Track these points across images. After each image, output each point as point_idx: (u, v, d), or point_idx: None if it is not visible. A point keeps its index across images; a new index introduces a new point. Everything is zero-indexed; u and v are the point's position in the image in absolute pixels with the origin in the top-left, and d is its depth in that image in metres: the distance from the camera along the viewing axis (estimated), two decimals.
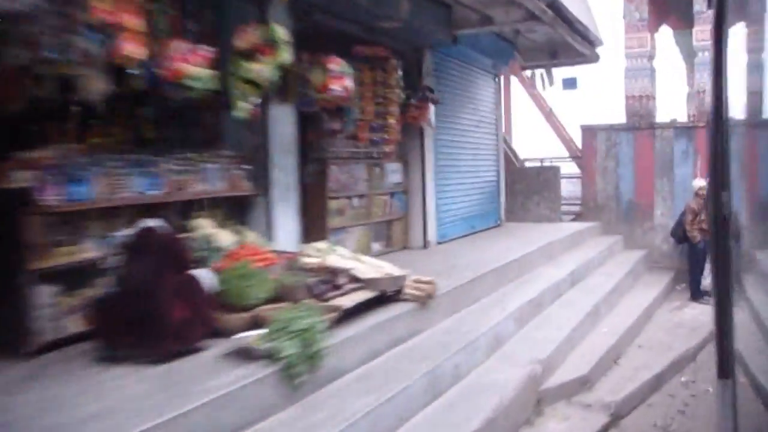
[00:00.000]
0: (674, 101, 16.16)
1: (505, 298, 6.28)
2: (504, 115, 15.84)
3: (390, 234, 7.81)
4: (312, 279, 4.46)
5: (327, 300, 4.32)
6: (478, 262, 7.04)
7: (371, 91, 6.86)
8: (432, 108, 7.90)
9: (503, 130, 12.19)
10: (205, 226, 4.86)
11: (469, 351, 4.84)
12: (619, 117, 11.60)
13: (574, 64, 11.16)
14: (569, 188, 12.79)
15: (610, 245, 10.00)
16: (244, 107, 4.32)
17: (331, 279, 4.56)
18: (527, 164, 13.87)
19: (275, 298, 4.24)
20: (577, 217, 11.72)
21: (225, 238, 4.82)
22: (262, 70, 4.24)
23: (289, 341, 3.61)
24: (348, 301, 4.35)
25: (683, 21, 11.77)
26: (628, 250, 10.52)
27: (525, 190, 11.17)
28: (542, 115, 14.19)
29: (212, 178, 5.04)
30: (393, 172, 7.82)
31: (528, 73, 10.84)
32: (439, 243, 8.37)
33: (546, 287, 6.95)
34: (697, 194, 9.27)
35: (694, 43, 11.05)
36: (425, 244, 8.05)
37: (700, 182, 9.33)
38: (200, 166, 4.93)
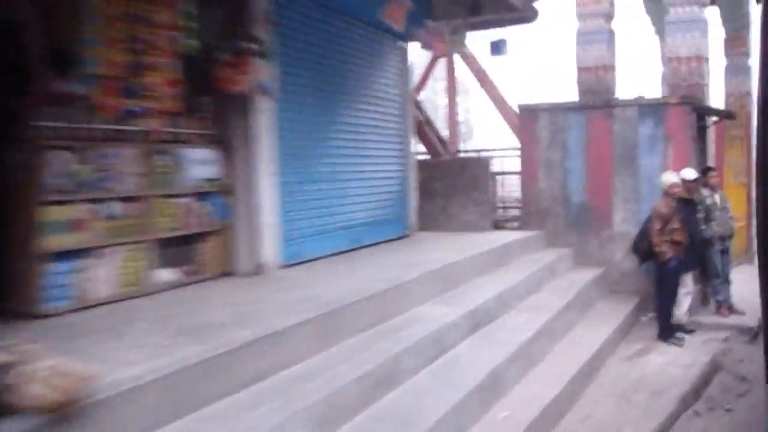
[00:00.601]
0: (645, 81, 13.59)
1: (317, 372, 3.66)
2: (449, 99, 13.30)
3: (198, 255, 5.15)
4: None
5: None
6: (311, 301, 4.43)
7: (123, 33, 4.19)
8: (268, 70, 5.28)
9: (421, 111, 9.57)
10: None
11: None
12: (569, 95, 9.05)
13: (506, 24, 8.57)
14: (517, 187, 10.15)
15: (552, 262, 7.42)
16: None
17: None
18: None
19: None
20: (522, 224, 9.11)
21: None
22: None
23: None
24: None
25: None
26: (579, 267, 7.94)
27: (446, 189, 8.51)
28: (477, 81, 11.53)
29: None
30: (200, 163, 5.14)
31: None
32: (288, 266, 5.72)
33: (415, 341, 4.35)
34: (667, 193, 6.79)
35: None
36: (258, 269, 5.40)
37: (672, 177, 6.93)
38: None
